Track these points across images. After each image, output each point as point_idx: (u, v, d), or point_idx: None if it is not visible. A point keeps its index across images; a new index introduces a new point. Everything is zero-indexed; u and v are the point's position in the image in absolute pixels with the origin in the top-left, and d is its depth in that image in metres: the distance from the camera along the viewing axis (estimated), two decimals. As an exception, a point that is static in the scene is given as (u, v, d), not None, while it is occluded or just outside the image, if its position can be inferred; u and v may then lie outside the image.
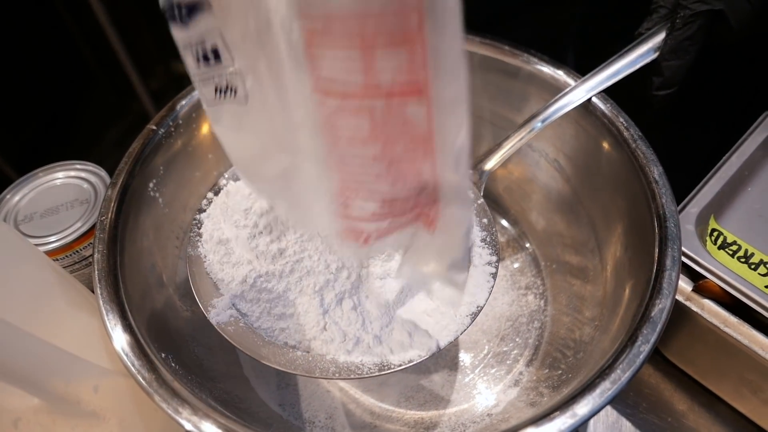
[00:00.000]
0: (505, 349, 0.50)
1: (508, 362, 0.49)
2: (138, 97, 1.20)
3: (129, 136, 0.44)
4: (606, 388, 0.30)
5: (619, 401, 0.48)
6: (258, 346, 0.35)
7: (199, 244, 0.39)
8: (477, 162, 0.44)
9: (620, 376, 0.31)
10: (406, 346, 0.35)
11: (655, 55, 0.41)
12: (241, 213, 0.37)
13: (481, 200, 0.42)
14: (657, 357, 0.49)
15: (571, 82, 0.46)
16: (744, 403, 0.44)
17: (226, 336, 0.35)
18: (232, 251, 0.37)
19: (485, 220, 0.42)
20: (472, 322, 0.36)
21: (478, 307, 0.37)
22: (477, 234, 0.41)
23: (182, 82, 0.47)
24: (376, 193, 0.24)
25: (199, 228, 0.40)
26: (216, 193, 0.42)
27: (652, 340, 0.32)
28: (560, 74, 0.47)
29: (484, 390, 0.47)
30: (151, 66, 1.17)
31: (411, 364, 0.34)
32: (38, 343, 0.28)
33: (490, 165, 0.44)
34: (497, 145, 0.44)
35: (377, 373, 0.34)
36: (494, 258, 0.39)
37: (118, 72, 1.16)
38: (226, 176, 0.43)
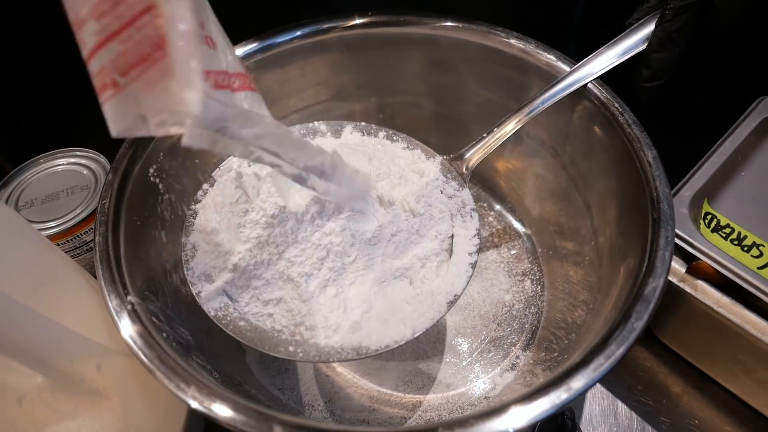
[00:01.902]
0: (502, 333, 0.51)
1: (505, 347, 0.50)
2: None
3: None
4: (600, 363, 0.31)
5: (614, 384, 0.48)
6: (246, 330, 0.36)
7: (192, 233, 0.40)
8: (465, 152, 0.45)
9: (614, 351, 0.31)
10: (382, 332, 0.36)
11: (644, 46, 0.41)
12: (232, 204, 0.38)
13: (466, 191, 0.43)
14: (651, 341, 0.50)
15: (567, 69, 0.47)
16: (737, 384, 0.45)
17: (215, 321, 0.36)
18: (223, 241, 0.38)
19: (469, 210, 0.42)
20: (449, 309, 0.37)
21: (455, 295, 0.38)
22: (459, 224, 0.42)
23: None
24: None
25: (194, 218, 0.41)
26: (211, 185, 0.43)
27: (645, 317, 0.32)
28: (557, 62, 0.47)
29: (482, 374, 0.48)
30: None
31: (387, 349, 0.36)
32: (43, 321, 0.28)
33: (475, 158, 0.44)
34: (482, 138, 0.45)
35: (355, 357, 0.35)
36: (475, 248, 0.40)
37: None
38: (221, 168, 0.44)
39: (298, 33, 0.50)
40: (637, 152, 0.41)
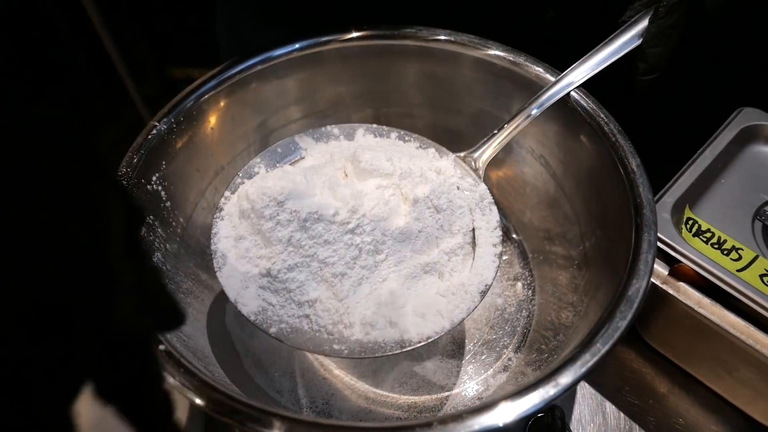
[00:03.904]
0: (494, 336, 0.52)
1: (497, 349, 0.51)
2: (132, 102, 1.21)
3: (123, 141, 0.46)
4: (586, 360, 0.33)
5: (602, 385, 0.50)
6: (287, 332, 0.38)
7: (220, 240, 0.41)
8: (476, 149, 0.47)
9: (599, 349, 0.33)
10: (421, 326, 0.37)
11: (638, 42, 0.43)
12: (259, 209, 0.39)
13: (482, 185, 0.45)
14: (639, 343, 0.52)
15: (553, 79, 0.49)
16: (720, 383, 0.46)
17: (255, 325, 0.38)
18: (253, 246, 0.40)
19: (488, 204, 0.44)
20: (482, 299, 0.39)
21: (486, 285, 0.40)
22: (479, 218, 0.43)
23: (176, 88, 0.49)
24: None
25: (220, 225, 0.42)
26: (233, 191, 0.44)
27: (629, 316, 0.34)
28: (545, 74, 0.49)
29: (475, 375, 0.49)
30: (145, 72, 1.19)
31: (429, 341, 0.37)
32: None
33: (487, 154, 0.46)
34: (493, 135, 0.47)
35: (399, 350, 0.37)
36: (499, 240, 0.42)
37: (112, 78, 1.18)
38: (240, 175, 0.45)
39: (297, 46, 0.52)
40: (622, 160, 0.43)
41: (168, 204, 0.47)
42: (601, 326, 0.34)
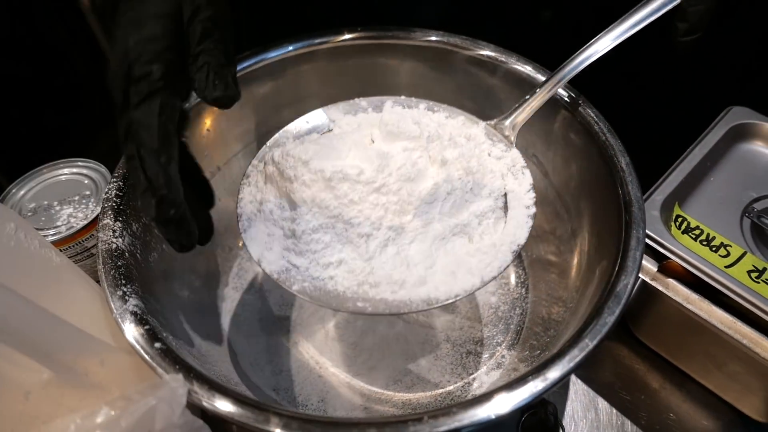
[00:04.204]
0: (488, 334, 0.53)
1: (491, 346, 0.52)
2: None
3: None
4: (574, 355, 0.33)
5: (595, 381, 0.50)
6: (310, 290, 0.37)
7: (246, 204, 0.40)
8: (507, 116, 0.45)
9: (587, 344, 0.34)
10: (450, 283, 0.36)
11: (678, 1, 0.41)
12: (283, 171, 0.38)
13: (515, 150, 0.44)
14: (631, 339, 0.52)
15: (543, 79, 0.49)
16: (711, 378, 0.47)
17: (279, 283, 0.37)
18: (277, 208, 0.39)
19: (520, 168, 0.43)
20: (514, 259, 0.38)
21: (518, 245, 0.38)
22: (512, 181, 0.42)
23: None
24: None
25: (246, 190, 0.42)
26: (260, 160, 0.43)
27: (617, 312, 0.35)
28: (536, 74, 0.50)
29: (469, 373, 0.50)
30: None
31: (457, 298, 0.36)
32: (50, 318, 0.30)
33: (519, 119, 0.45)
34: (525, 100, 0.45)
35: (425, 308, 0.36)
36: (532, 201, 0.41)
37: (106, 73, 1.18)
38: (269, 145, 0.45)
39: (290, 48, 0.52)
40: (612, 159, 0.44)
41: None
42: (590, 322, 0.35)
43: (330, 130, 0.46)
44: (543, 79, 0.49)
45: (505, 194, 0.42)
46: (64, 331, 0.31)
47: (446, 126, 0.44)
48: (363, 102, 0.47)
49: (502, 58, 0.52)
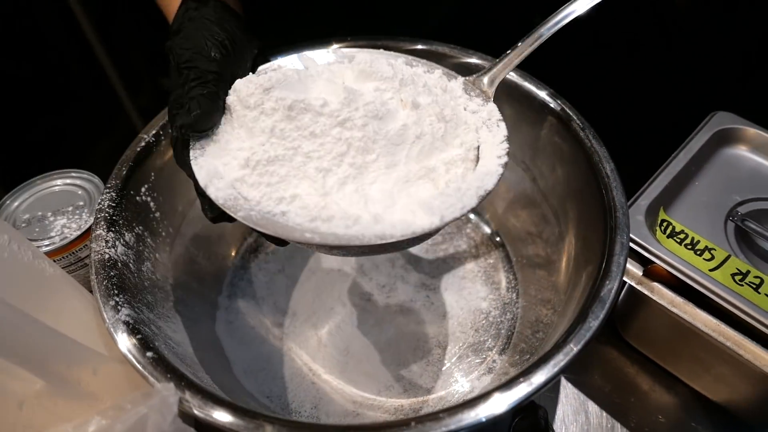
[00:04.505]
0: (479, 339, 0.53)
1: (482, 352, 0.52)
2: (126, 113, 1.23)
3: (117, 152, 0.47)
4: (559, 360, 0.34)
5: (585, 385, 0.51)
6: (257, 219, 0.34)
7: (201, 137, 0.37)
8: (486, 71, 0.44)
9: (572, 348, 0.34)
10: (408, 221, 0.34)
11: None
12: (244, 98, 0.36)
13: (491, 104, 0.42)
14: (621, 343, 0.53)
15: (533, 89, 0.50)
16: (699, 381, 0.48)
17: (224, 208, 0.34)
18: (233, 137, 0.37)
19: (496, 121, 0.40)
20: (479, 203, 0.35)
21: (486, 190, 0.35)
22: (485, 134, 0.40)
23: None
24: None
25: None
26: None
27: (601, 316, 0.35)
28: (524, 82, 0.51)
29: (460, 378, 0.51)
30: (139, 83, 1.20)
31: (413, 235, 0.33)
32: (43, 328, 0.31)
33: (498, 74, 0.44)
34: (505, 55, 0.44)
35: (378, 242, 0.32)
36: (505, 152, 0.38)
37: (107, 88, 1.19)
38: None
39: (278, 58, 0.53)
40: (597, 165, 0.44)
41: (157, 214, 0.48)
42: (575, 326, 0.35)
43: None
44: (530, 86, 0.50)
45: (478, 147, 0.39)
46: (57, 342, 0.31)
47: (422, 76, 0.42)
48: (341, 50, 0.44)
49: (488, 65, 0.52)
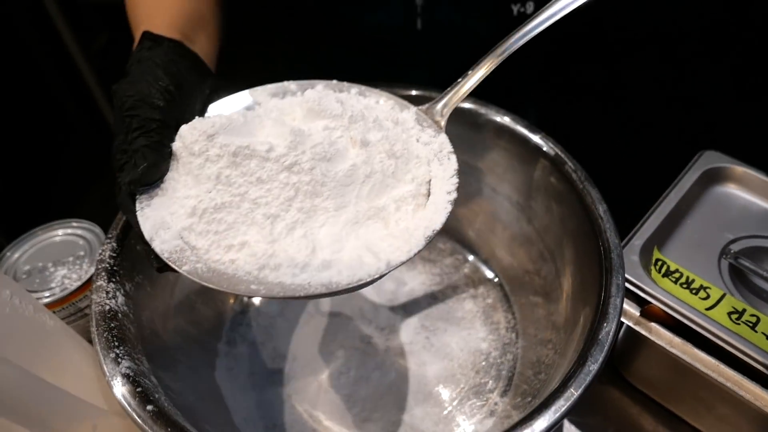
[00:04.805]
0: (480, 381, 0.53)
1: (484, 394, 0.52)
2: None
3: (113, 197, 0.47)
4: (560, 405, 0.34)
5: (588, 426, 0.50)
6: (203, 272, 0.33)
7: (147, 188, 0.37)
8: (439, 100, 0.43)
9: (573, 393, 0.34)
10: (355, 268, 0.33)
11: None
12: (189, 145, 0.36)
13: (443, 135, 0.41)
14: (622, 383, 0.53)
15: (527, 132, 0.52)
16: (702, 421, 0.47)
17: (168, 262, 0.34)
18: (179, 185, 0.36)
19: (447, 153, 0.40)
20: (427, 243, 0.35)
21: (433, 230, 0.35)
22: (437, 167, 0.40)
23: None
24: None
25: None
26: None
27: (600, 359, 0.36)
28: (515, 125, 0.52)
29: (462, 422, 0.50)
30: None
31: (360, 283, 0.33)
32: (41, 384, 0.31)
33: (453, 101, 0.43)
34: (457, 83, 0.43)
35: (324, 292, 0.32)
36: (454, 187, 0.38)
37: (103, 130, 1.21)
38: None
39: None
40: (590, 206, 0.45)
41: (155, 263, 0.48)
42: (574, 371, 0.35)
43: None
44: (523, 129, 0.51)
45: (429, 180, 0.39)
46: (56, 398, 0.31)
47: (374, 109, 0.42)
48: (293, 85, 0.44)
49: (482, 110, 0.54)
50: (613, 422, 0.51)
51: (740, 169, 0.53)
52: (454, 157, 0.40)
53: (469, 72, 0.43)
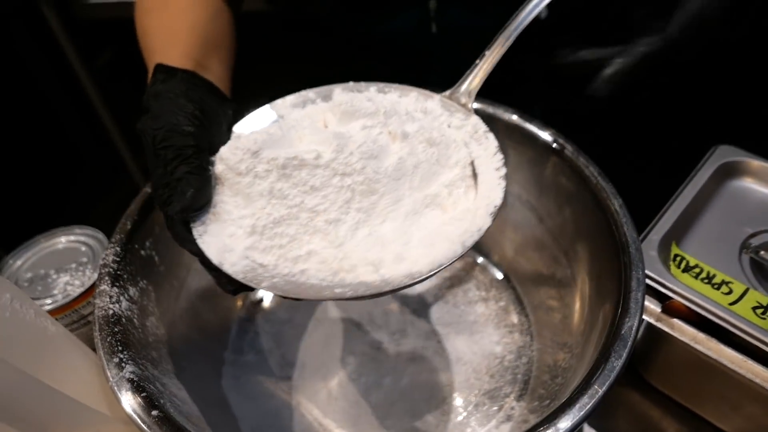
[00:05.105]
0: (495, 386, 0.51)
1: (499, 399, 0.50)
2: (128, 172, 1.24)
3: (120, 210, 0.46)
4: (584, 403, 0.32)
5: (609, 430, 0.49)
6: (281, 285, 0.33)
7: (198, 213, 0.37)
8: (460, 84, 0.43)
9: (597, 391, 0.33)
10: (431, 255, 0.34)
11: None
12: (234, 164, 0.36)
13: (474, 117, 0.42)
14: (643, 384, 0.51)
15: (536, 130, 0.51)
16: (728, 422, 0.45)
17: (245, 282, 0.33)
18: (233, 206, 0.36)
19: (483, 133, 0.41)
20: (493, 221, 0.35)
21: (495, 206, 0.36)
22: (476, 148, 0.40)
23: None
24: None
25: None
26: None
27: (624, 355, 0.34)
28: (524, 123, 0.51)
29: (478, 428, 0.48)
30: (141, 142, 1.23)
31: (441, 268, 0.33)
32: (43, 389, 0.29)
33: (473, 84, 0.43)
34: (476, 65, 0.43)
35: (409, 282, 0.33)
36: (501, 163, 0.38)
37: (110, 149, 1.21)
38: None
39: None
40: (605, 202, 0.44)
41: (161, 268, 0.47)
42: (597, 368, 0.34)
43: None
44: (532, 127, 0.50)
45: (472, 162, 0.39)
46: (58, 404, 0.30)
47: (401, 103, 0.42)
48: (311, 93, 0.44)
49: (490, 109, 0.53)
50: (634, 426, 0.49)
51: (757, 163, 0.52)
52: (491, 135, 0.40)
53: (486, 53, 0.43)
